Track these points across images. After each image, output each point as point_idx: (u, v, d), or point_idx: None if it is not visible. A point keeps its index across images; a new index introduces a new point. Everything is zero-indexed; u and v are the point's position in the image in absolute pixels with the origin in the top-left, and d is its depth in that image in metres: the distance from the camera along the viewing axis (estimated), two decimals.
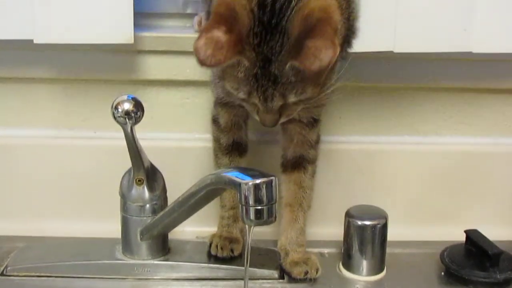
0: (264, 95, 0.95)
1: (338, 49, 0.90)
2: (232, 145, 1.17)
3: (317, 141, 1.17)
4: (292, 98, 0.96)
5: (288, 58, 0.93)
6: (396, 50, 1.16)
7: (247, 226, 0.96)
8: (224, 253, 1.16)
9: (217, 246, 1.17)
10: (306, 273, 1.14)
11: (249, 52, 0.93)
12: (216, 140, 1.19)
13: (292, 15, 0.93)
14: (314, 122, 1.14)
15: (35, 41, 1.15)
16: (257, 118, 1.02)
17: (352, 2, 1.08)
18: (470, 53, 1.17)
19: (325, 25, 0.91)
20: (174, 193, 1.10)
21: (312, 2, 0.93)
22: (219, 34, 0.91)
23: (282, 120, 1.01)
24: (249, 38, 0.93)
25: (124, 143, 1.09)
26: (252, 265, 1.12)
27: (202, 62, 0.91)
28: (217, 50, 0.90)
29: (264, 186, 0.91)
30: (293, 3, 0.94)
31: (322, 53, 0.89)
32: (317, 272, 1.14)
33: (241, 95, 0.98)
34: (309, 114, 1.12)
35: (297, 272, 1.14)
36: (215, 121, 1.18)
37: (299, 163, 1.16)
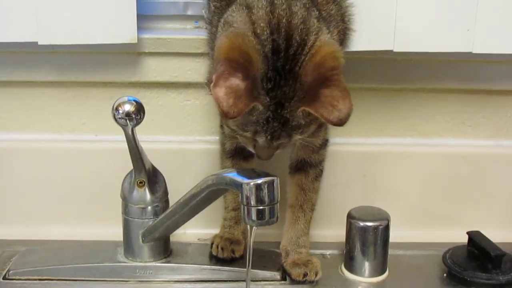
0: (272, 135, 0.96)
1: (352, 102, 0.92)
2: (235, 150, 1.16)
3: (322, 146, 1.16)
4: (296, 137, 0.97)
5: (301, 104, 0.93)
6: (396, 49, 1.16)
7: (249, 227, 0.96)
8: (225, 254, 1.16)
9: (218, 246, 1.17)
10: (305, 275, 1.14)
11: (263, 97, 0.93)
12: (221, 144, 1.19)
13: (305, 61, 0.94)
14: (318, 127, 1.13)
15: (39, 43, 1.15)
16: (252, 151, 1.02)
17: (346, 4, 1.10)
18: (470, 54, 1.17)
19: (339, 73, 0.93)
20: (175, 196, 1.10)
21: (323, 48, 0.94)
22: (238, 82, 0.90)
23: (277, 152, 1.01)
24: (263, 83, 0.93)
25: (125, 145, 1.09)
26: (254, 266, 1.12)
27: (226, 114, 0.90)
28: (238, 99, 0.90)
29: (265, 186, 0.91)
30: (306, 49, 0.94)
31: (339, 104, 0.91)
32: (316, 275, 1.14)
33: (247, 134, 0.98)
34: None
35: (296, 273, 1.14)
36: (221, 126, 1.18)
37: (301, 167, 1.16)
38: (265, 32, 0.94)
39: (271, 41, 0.94)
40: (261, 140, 0.97)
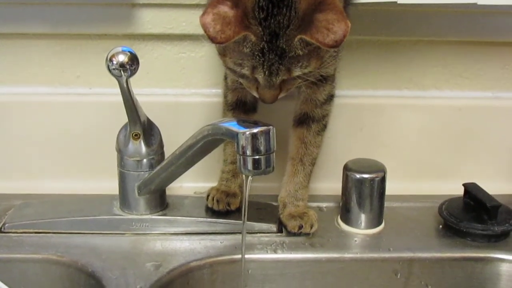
0: (270, 69, 0.94)
1: (349, 23, 0.89)
2: (236, 103, 1.16)
3: (327, 101, 1.15)
4: (296, 72, 0.95)
5: (297, 32, 0.91)
6: (400, 1, 1.14)
7: (244, 177, 0.96)
8: (220, 206, 1.16)
9: (213, 199, 1.17)
10: (301, 227, 1.14)
11: (255, 27, 0.92)
12: (224, 96, 1.18)
13: None
14: (323, 81, 1.12)
15: None
16: (256, 94, 1.00)
17: None
18: (475, 5, 1.15)
19: None
20: (170, 149, 1.09)
21: None
22: (226, 9, 0.89)
23: (281, 95, 1.00)
24: (254, 12, 0.91)
25: (120, 98, 1.08)
26: (251, 219, 1.13)
27: (212, 39, 0.89)
28: (226, 26, 0.89)
29: (261, 135, 0.90)
30: None
31: (335, 27, 0.89)
32: (311, 228, 1.15)
33: (245, 71, 0.96)
34: (321, 71, 1.09)
35: (291, 225, 1.15)
36: (225, 78, 1.17)
37: (303, 121, 1.15)
38: None
39: None
40: (260, 76, 0.95)
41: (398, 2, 1.14)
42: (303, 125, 1.15)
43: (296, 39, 0.92)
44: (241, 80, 1.01)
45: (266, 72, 0.94)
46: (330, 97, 1.15)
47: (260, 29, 0.92)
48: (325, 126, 1.16)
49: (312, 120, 1.15)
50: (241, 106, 1.16)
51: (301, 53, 0.93)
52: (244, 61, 0.95)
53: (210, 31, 0.89)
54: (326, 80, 1.12)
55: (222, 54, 0.99)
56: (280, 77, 0.95)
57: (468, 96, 1.32)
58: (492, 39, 1.29)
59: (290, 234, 1.15)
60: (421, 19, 1.25)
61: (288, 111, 1.17)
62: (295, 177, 1.16)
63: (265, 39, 0.92)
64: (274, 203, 1.21)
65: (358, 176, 1.15)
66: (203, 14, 0.90)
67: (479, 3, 1.14)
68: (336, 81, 1.15)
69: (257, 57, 0.93)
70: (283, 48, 0.92)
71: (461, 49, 1.30)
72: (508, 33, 1.28)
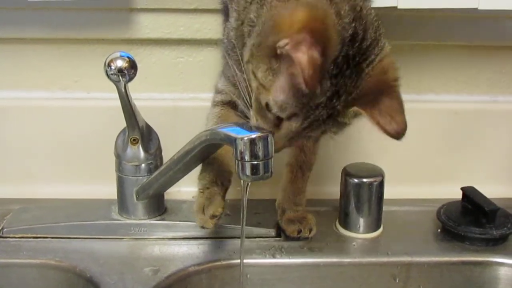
0: (310, 124, 0.90)
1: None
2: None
3: None
4: (329, 135, 0.94)
5: (357, 103, 0.89)
6: (400, 6, 1.14)
7: (243, 183, 0.96)
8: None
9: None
10: (300, 231, 1.15)
11: (325, 81, 0.87)
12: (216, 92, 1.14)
13: (374, 61, 0.90)
14: None
15: None
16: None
17: None
18: (475, 10, 1.15)
19: (399, 86, 0.92)
20: (169, 153, 1.09)
21: (389, 56, 0.93)
22: (317, 56, 0.82)
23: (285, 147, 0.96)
24: (330, 66, 0.86)
25: (118, 103, 1.08)
26: (249, 223, 1.12)
27: (306, 84, 0.83)
28: (315, 73, 0.82)
29: (260, 141, 0.90)
30: (377, 49, 0.91)
31: (397, 117, 0.89)
32: (310, 232, 1.15)
33: (281, 113, 0.89)
34: None
35: (290, 230, 1.15)
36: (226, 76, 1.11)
37: None
38: (348, 16, 0.88)
39: (353, 28, 0.88)
40: (294, 124, 0.90)
41: (399, 7, 1.15)
42: None
43: (352, 108, 0.90)
44: (261, 121, 0.93)
45: (305, 125, 0.90)
46: None
47: (328, 84, 0.87)
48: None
49: None
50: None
51: (347, 122, 0.92)
52: (292, 107, 0.88)
53: (305, 74, 0.82)
54: None
55: (264, 88, 0.89)
56: (312, 133, 0.92)
57: (465, 100, 1.32)
58: (488, 43, 1.29)
59: (288, 238, 1.15)
60: (418, 23, 1.25)
61: None
62: (294, 183, 1.16)
63: (327, 94, 0.87)
64: (272, 207, 1.21)
65: (356, 180, 1.15)
66: (296, 49, 0.82)
67: (480, 7, 1.14)
68: None
69: (308, 110, 0.88)
70: (338, 110, 0.89)
71: (458, 53, 1.30)
72: (504, 37, 1.28)
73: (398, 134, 0.89)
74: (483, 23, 1.26)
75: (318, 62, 0.82)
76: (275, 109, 0.89)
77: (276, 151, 0.93)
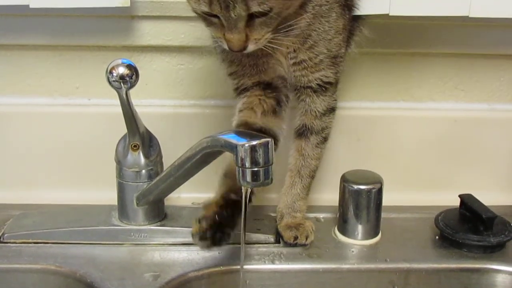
0: (225, 1, 0.92)
1: None
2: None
3: (326, 112, 1.14)
4: (255, 7, 0.93)
5: None
6: (392, 13, 1.15)
7: (243, 189, 0.97)
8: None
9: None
10: (296, 238, 1.15)
11: None
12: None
13: None
14: (322, 88, 1.11)
15: (30, 6, 1.13)
16: (225, 44, 0.99)
17: None
18: (466, 18, 1.16)
19: None
20: (169, 160, 1.09)
21: None
22: None
23: (251, 46, 0.98)
24: None
25: (119, 109, 1.09)
26: (248, 229, 1.13)
27: None
28: None
29: (260, 147, 0.91)
30: None
31: None
32: (306, 239, 1.16)
33: (203, 7, 0.95)
34: (318, 73, 1.10)
35: (287, 236, 1.16)
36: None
37: (302, 132, 1.15)
38: None
39: None
40: (217, 11, 0.94)
41: (390, 14, 1.16)
42: (302, 137, 1.15)
43: None
44: (210, 30, 1.00)
45: (222, 5, 0.93)
46: (330, 110, 1.14)
47: None
48: (324, 139, 1.15)
49: (310, 132, 1.14)
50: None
51: None
52: None
53: None
54: (325, 88, 1.11)
55: None
56: (237, 11, 0.93)
57: (464, 108, 1.33)
58: (487, 52, 1.30)
59: (287, 244, 1.16)
60: (417, 32, 1.26)
61: (291, 122, 1.17)
62: (292, 188, 1.16)
63: None
64: (271, 214, 1.22)
65: (355, 187, 1.15)
66: None
67: (471, 15, 1.16)
68: (337, 94, 1.15)
69: None
70: None
71: (457, 61, 1.31)
72: (503, 46, 1.29)
73: None
74: (480, 31, 1.27)
75: None
76: (197, 7, 0.96)
77: (239, 47, 0.97)
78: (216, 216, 1.05)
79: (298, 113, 1.15)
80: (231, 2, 0.93)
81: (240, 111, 1.13)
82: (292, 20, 1.01)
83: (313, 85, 1.10)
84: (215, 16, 0.96)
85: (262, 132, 1.11)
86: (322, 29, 1.06)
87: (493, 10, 1.17)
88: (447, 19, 1.18)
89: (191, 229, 1.14)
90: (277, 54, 1.07)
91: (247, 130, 1.10)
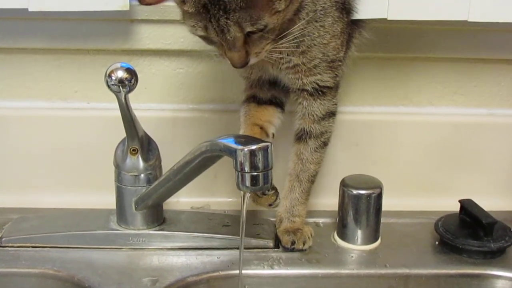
0: (219, 26, 0.93)
1: None
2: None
3: (325, 117, 1.13)
4: (248, 27, 0.94)
5: None
6: (390, 18, 1.15)
7: (242, 193, 0.96)
8: None
9: None
10: (293, 243, 1.15)
11: None
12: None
13: None
14: (319, 92, 1.11)
15: (29, 9, 1.13)
16: (227, 61, 1.00)
17: None
18: (465, 22, 1.16)
19: None
20: (168, 164, 1.09)
21: None
22: None
23: (253, 59, 0.99)
24: None
25: (117, 113, 1.09)
26: (247, 234, 1.12)
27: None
28: None
29: (259, 152, 0.91)
30: None
31: None
32: (304, 244, 1.15)
33: (200, 31, 0.97)
34: (313, 77, 1.09)
35: (285, 240, 1.16)
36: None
37: (301, 136, 1.14)
38: None
39: None
40: (213, 35, 0.95)
41: (388, 19, 1.16)
42: (300, 142, 1.14)
43: None
44: (215, 48, 1.01)
45: (217, 29, 0.94)
46: (330, 114, 1.14)
47: None
48: (324, 144, 1.15)
49: (309, 136, 1.14)
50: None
51: (243, 4, 0.92)
52: (196, 21, 0.96)
53: None
54: (323, 92, 1.11)
55: (182, 21, 1.00)
56: (232, 33, 0.94)
57: (464, 112, 1.33)
58: (487, 56, 1.30)
59: (286, 249, 1.15)
60: (417, 37, 1.26)
61: (292, 126, 1.17)
62: (291, 193, 1.16)
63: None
64: (270, 219, 1.22)
65: (354, 192, 1.15)
66: None
67: (469, 20, 1.15)
68: (338, 99, 1.15)
69: (203, 14, 0.94)
70: (224, 1, 0.91)
71: (457, 66, 1.30)
72: (503, 51, 1.29)
73: None
74: (480, 36, 1.27)
75: None
76: (195, 32, 0.98)
77: (239, 63, 0.99)
78: None
79: (297, 116, 1.14)
80: (225, 26, 0.93)
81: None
82: (289, 29, 1.01)
83: (309, 88, 1.10)
84: None
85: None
86: (316, 34, 1.06)
87: (492, 14, 1.16)
88: (446, 23, 1.18)
89: (190, 233, 1.16)
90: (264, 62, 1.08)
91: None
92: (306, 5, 1.03)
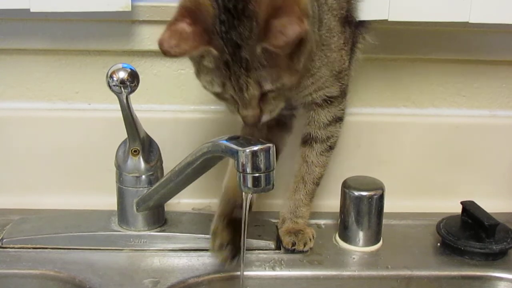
0: (238, 83, 0.93)
1: (306, 26, 0.88)
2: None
3: (331, 123, 1.13)
4: (268, 86, 0.93)
5: (258, 41, 0.90)
6: (391, 19, 1.15)
7: (243, 195, 0.96)
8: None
9: None
10: (294, 244, 1.15)
11: (217, 41, 0.91)
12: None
13: None
14: (328, 102, 1.11)
15: (31, 10, 1.13)
16: (239, 117, 0.99)
17: None
18: (466, 24, 1.16)
19: (292, 4, 0.89)
20: (170, 165, 1.09)
21: None
22: (184, 26, 0.90)
23: (265, 117, 0.98)
24: (215, 27, 0.91)
25: (118, 114, 1.09)
26: (249, 235, 1.12)
27: (165, 52, 0.89)
28: (182, 41, 0.89)
29: (261, 153, 0.90)
30: None
31: (287, 29, 0.87)
32: (304, 245, 1.15)
33: (216, 88, 0.96)
34: (321, 91, 1.09)
35: (286, 241, 1.16)
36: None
37: (307, 140, 1.15)
38: None
39: None
40: (231, 92, 0.94)
41: (389, 20, 1.15)
42: (306, 145, 1.15)
43: (258, 49, 0.90)
44: (225, 104, 1.01)
45: (236, 87, 0.93)
46: (336, 120, 1.13)
47: (222, 42, 0.91)
48: (330, 147, 1.15)
49: (315, 140, 1.14)
50: None
51: (266, 63, 0.91)
52: (214, 77, 0.95)
53: (164, 46, 0.89)
54: (330, 102, 1.11)
55: (197, 75, 0.99)
56: (251, 92, 0.93)
57: (466, 114, 1.33)
58: (489, 58, 1.29)
59: (287, 251, 1.15)
60: (419, 38, 1.26)
61: (298, 129, 1.18)
62: (295, 194, 1.16)
63: (227, 51, 0.91)
64: (272, 220, 1.22)
65: (356, 193, 1.15)
66: (163, 33, 0.90)
67: (471, 21, 1.15)
68: (345, 104, 1.15)
69: (223, 71, 0.92)
70: (247, 59, 0.91)
71: (459, 67, 1.30)
72: (505, 52, 1.29)
73: (286, 43, 0.88)
74: (482, 37, 1.26)
75: (187, 31, 0.90)
76: (210, 88, 0.97)
77: (253, 122, 0.98)
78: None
79: (303, 122, 1.15)
80: (244, 84, 0.93)
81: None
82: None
83: (318, 101, 1.11)
84: None
85: None
86: (324, 55, 1.06)
87: (493, 15, 1.16)
88: (447, 24, 1.18)
89: (191, 235, 1.16)
90: None
91: None
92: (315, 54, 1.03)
